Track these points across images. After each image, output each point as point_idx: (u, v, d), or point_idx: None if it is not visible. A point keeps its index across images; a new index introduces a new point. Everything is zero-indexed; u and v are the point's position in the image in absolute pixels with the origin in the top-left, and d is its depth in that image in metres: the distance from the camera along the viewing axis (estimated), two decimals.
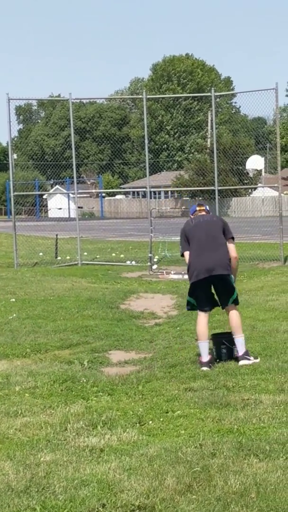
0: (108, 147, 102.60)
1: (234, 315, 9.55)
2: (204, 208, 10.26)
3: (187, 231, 9.85)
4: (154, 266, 22.06)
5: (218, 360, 9.47)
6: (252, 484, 5.40)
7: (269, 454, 5.98)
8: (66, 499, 5.26)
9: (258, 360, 9.25)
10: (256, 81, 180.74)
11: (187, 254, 9.74)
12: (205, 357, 9.30)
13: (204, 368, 9.11)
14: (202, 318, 9.56)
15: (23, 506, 5.18)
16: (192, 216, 10.14)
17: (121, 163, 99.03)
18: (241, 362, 9.22)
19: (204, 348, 9.36)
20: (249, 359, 9.25)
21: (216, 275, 9.38)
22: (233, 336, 9.51)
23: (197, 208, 10.25)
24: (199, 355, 9.46)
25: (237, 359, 9.39)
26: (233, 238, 9.87)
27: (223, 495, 5.23)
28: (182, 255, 9.91)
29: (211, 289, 9.63)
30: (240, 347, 9.42)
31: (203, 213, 10.16)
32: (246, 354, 9.33)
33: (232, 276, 9.59)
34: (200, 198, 64.31)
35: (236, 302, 9.61)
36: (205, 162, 62.06)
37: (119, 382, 8.63)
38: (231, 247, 9.70)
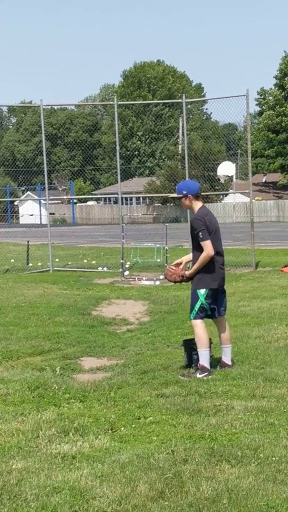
0: (79, 153, 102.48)
1: (227, 325, 9.67)
2: None
3: (208, 220, 9.32)
4: (126, 272, 22.05)
5: (189, 366, 9.48)
6: (224, 490, 5.42)
7: (241, 460, 6.00)
8: (38, 507, 5.25)
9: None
10: (227, 87, 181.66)
11: (210, 243, 9.18)
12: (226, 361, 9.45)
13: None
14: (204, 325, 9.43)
15: None
16: (199, 199, 9.51)
17: (92, 169, 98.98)
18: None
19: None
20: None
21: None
22: (226, 346, 9.53)
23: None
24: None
25: (222, 366, 9.42)
26: None
27: (195, 501, 5.24)
28: (203, 240, 9.17)
29: None
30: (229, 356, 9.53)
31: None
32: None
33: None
34: (172, 205, 64.51)
35: None
36: (176, 168, 62.24)
37: (91, 389, 8.62)
38: None
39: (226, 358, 9.51)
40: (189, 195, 9.40)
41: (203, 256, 9.14)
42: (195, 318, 9.32)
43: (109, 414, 7.59)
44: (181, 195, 9.47)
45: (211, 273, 9.25)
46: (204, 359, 9.15)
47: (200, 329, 9.28)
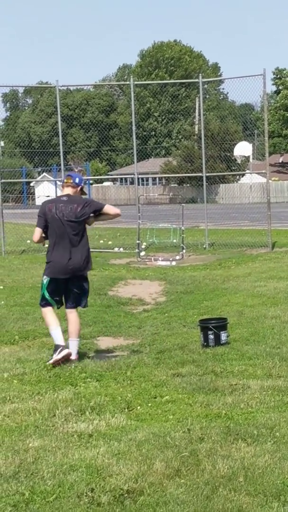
0: (95, 134, 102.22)
1: (75, 319, 9.44)
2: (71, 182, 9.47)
3: (49, 209, 9.33)
4: (142, 253, 22.07)
5: (206, 346, 9.49)
6: (240, 468, 5.43)
7: (257, 439, 6.01)
8: (54, 484, 5.28)
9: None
10: (244, 67, 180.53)
11: (37, 230, 9.40)
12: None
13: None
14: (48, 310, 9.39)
15: (12, 491, 5.20)
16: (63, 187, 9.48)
17: (108, 150, 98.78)
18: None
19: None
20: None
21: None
22: (71, 339, 9.27)
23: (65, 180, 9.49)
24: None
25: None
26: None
27: (211, 479, 5.26)
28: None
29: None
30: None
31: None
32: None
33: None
34: (188, 185, 64.38)
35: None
36: (193, 149, 62.00)
37: (108, 368, 8.65)
38: None
39: (72, 352, 9.19)
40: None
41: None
42: (40, 305, 9.40)
43: (126, 393, 7.61)
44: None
45: (49, 263, 9.23)
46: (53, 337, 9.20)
47: (44, 315, 9.33)
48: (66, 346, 9.04)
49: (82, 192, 9.53)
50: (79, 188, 9.41)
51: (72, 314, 9.33)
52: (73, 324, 9.28)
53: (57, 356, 8.87)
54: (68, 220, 9.14)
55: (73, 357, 9.09)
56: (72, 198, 9.31)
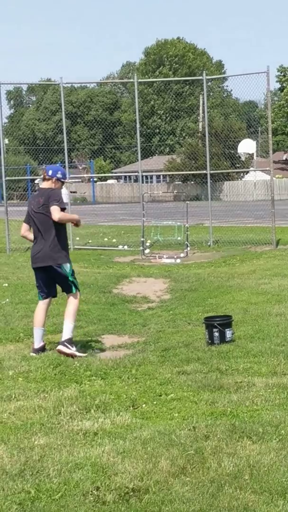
0: (99, 132, 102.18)
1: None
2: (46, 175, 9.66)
3: (28, 203, 9.79)
4: (147, 251, 22.05)
5: (211, 344, 9.49)
6: (246, 466, 5.43)
7: (262, 436, 6.01)
8: (60, 482, 5.28)
9: (76, 353, 9.21)
10: (248, 64, 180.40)
11: (23, 225, 9.83)
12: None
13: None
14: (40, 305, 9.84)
15: (17, 489, 5.20)
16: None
17: (112, 147, 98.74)
18: (59, 347, 9.27)
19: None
20: (68, 347, 9.22)
21: None
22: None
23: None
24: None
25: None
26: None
27: (216, 477, 5.26)
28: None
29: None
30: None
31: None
32: (68, 342, 9.30)
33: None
34: (192, 182, 64.31)
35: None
36: (197, 146, 61.95)
37: (112, 366, 8.65)
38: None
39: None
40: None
41: None
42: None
43: (131, 391, 7.62)
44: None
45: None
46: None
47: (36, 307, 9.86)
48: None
49: (61, 183, 9.67)
50: (54, 179, 9.51)
51: (68, 299, 9.63)
52: (66, 306, 9.61)
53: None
54: (35, 211, 9.43)
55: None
56: (42, 191, 9.57)
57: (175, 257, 20.61)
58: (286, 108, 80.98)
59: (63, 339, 9.32)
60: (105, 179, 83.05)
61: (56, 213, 9.21)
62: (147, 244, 23.13)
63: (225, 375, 8.04)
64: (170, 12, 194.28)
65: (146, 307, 13.04)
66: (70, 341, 9.29)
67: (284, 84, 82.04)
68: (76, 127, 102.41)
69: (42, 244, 9.45)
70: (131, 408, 7.06)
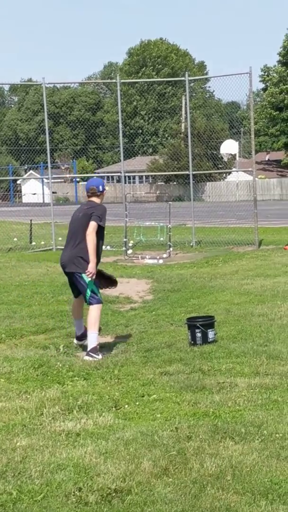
0: (82, 132, 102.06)
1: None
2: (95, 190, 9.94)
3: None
4: (129, 251, 22.05)
5: (193, 344, 9.49)
6: (228, 466, 5.43)
7: (245, 437, 6.01)
8: (42, 483, 5.26)
9: (100, 357, 9.19)
10: (230, 65, 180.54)
11: None
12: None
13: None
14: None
15: None
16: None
17: (95, 147, 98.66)
18: (85, 358, 9.21)
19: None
20: (93, 357, 9.17)
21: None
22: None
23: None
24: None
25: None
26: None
27: (199, 478, 5.26)
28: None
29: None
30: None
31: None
32: (93, 351, 9.26)
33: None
34: (175, 183, 64.38)
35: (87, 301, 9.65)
36: (179, 147, 62.04)
37: (95, 367, 8.64)
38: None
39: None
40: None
41: None
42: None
43: (113, 391, 7.60)
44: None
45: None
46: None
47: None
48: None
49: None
50: (104, 193, 10.00)
51: (89, 308, 9.66)
52: (88, 315, 9.64)
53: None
54: (75, 218, 9.83)
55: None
56: (91, 203, 9.87)
57: (158, 257, 20.60)
58: (269, 109, 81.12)
59: (88, 349, 9.31)
60: (87, 179, 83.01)
61: (91, 229, 9.45)
62: (130, 244, 23.12)
63: (207, 375, 8.04)
64: (152, 12, 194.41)
65: (129, 307, 13.03)
66: (95, 350, 9.24)
67: (268, 84, 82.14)
68: (58, 127, 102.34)
69: (69, 250, 9.69)
70: (113, 408, 7.05)
